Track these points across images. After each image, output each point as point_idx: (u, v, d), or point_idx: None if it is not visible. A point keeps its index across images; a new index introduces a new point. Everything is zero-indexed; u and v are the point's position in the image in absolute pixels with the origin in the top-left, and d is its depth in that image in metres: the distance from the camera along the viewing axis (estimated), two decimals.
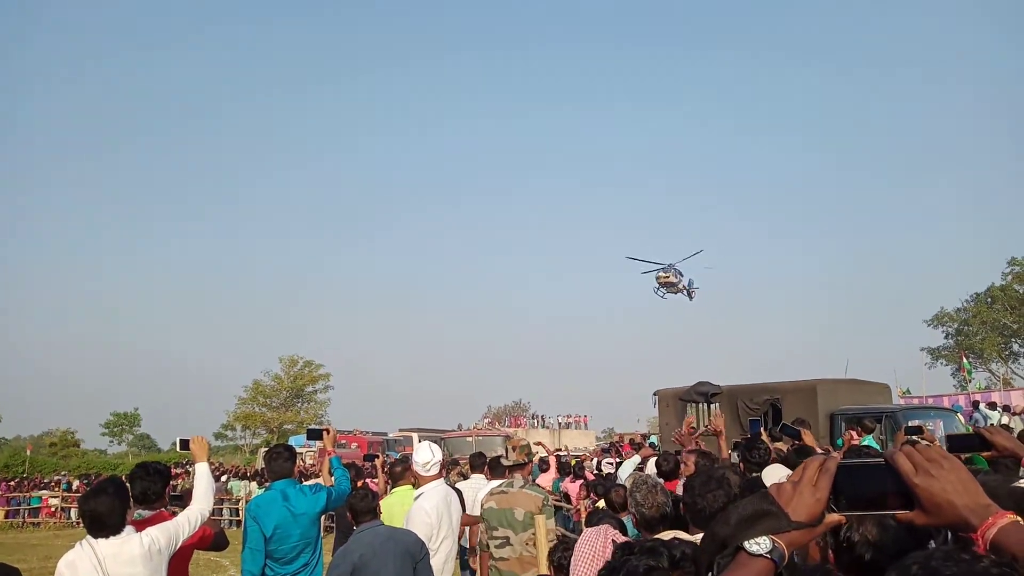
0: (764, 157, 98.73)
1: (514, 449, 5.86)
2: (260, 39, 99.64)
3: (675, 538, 1.75)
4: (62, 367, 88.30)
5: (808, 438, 6.47)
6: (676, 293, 41.98)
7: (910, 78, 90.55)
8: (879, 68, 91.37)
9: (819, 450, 6.43)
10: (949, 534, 2.58)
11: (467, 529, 7.35)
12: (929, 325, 50.25)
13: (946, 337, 50.17)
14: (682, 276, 41.32)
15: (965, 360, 37.16)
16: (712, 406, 14.37)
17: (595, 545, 3.64)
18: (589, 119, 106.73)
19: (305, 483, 5.66)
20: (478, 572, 5.79)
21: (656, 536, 3.34)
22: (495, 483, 7.21)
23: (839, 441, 9.79)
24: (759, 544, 1.21)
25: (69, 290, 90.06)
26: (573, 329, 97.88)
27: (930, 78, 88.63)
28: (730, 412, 13.58)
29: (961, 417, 14.99)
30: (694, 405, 14.85)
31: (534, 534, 5.39)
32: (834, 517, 1.24)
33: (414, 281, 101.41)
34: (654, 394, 16.33)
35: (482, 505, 5.72)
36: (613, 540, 3.55)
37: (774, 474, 3.47)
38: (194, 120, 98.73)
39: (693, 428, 7.09)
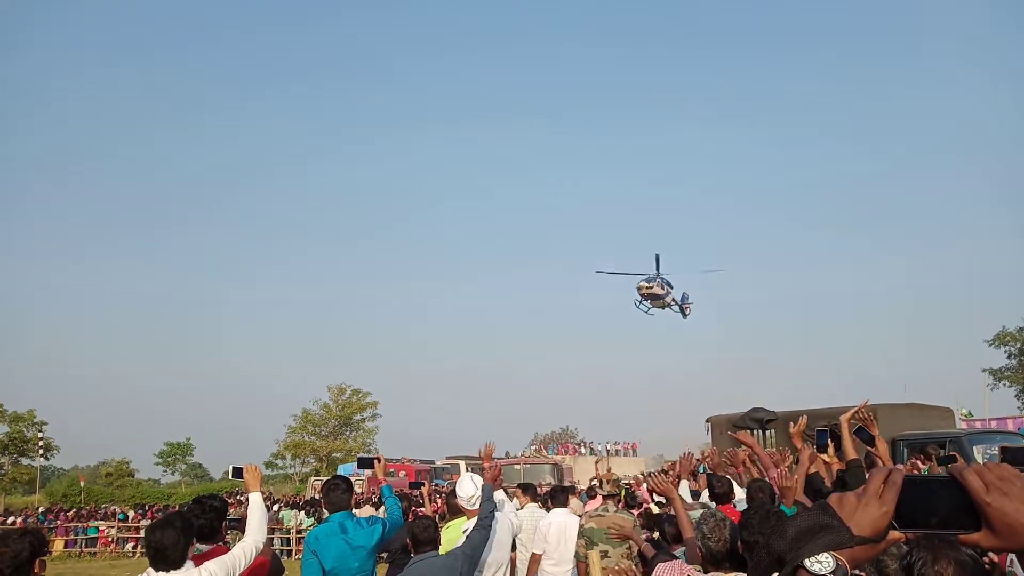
0: (810, 169, 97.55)
1: (608, 482, 7.15)
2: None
3: None
4: (116, 399, 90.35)
5: (882, 446, 5.99)
6: (663, 308, 37.63)
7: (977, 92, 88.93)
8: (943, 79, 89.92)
9: (888, 463, 6.13)
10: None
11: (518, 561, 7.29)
12: (990, 345, 48.72)
13: (1008, 357, 48.56)
14: (671, 288, 37.06)
15: None
16: (767, 432, 14.06)
17: None
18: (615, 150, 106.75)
19: (359, 514, 5.64)
20: (592, 567, 6.63)
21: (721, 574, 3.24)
22: (559, 511, 7.32)
23: None
24: (820, 563, 1.11)
25: (123, 324, 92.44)
26: (620, 355, 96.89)
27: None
28: (786, 438, 13.25)
29: None
30: (748, 432, 14.54)
31: (628, 549, 6.24)
32: (896, 534, 1.13)
33: (460, 309, 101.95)
34: (707, 420, 16.05)
35: (582, 525, 6.72)
36: (689, 575, 3.43)
37: None
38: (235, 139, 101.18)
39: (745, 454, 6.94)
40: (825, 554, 1.11)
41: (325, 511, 5.49)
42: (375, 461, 6.30)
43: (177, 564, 3.67)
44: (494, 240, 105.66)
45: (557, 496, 7.64)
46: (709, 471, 7.06)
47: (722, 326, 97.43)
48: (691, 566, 3.59)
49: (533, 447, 52.65)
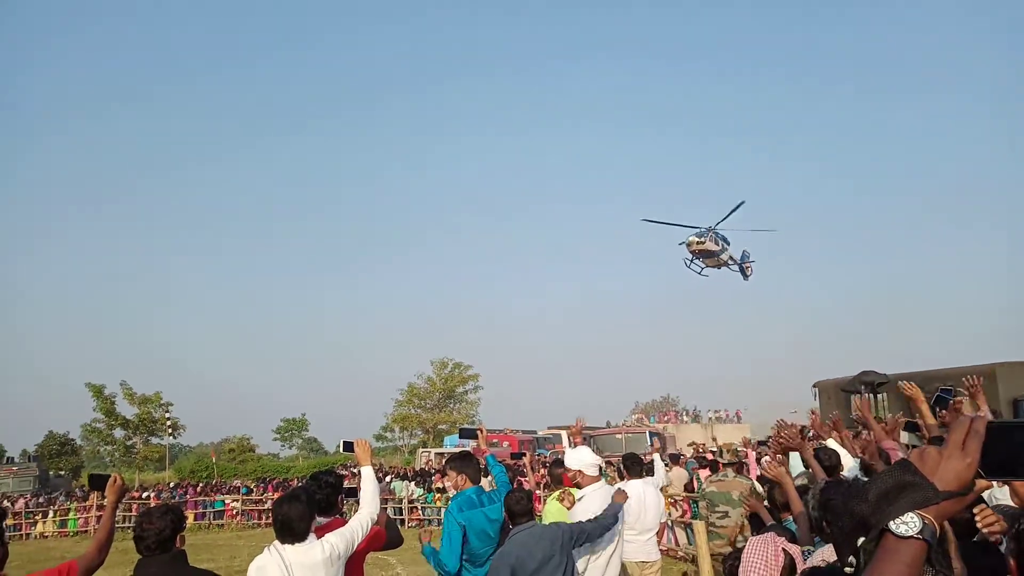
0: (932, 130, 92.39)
1: (728, 451, 7.86)
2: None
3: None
4: (236, 379, 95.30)
5: (980, 402, 5.16)
6: (719, 267, 32.17)
7: None
8: None
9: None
10: None
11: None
12: None
13: None
14: (727, 244, 31.66)
15: None
16: (879, 396, 13.57)
17: (765, 554, 3.47)
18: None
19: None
20: (698, 537, 7.67)
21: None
22: (635, 482, 6.87)
23: None
24: (907, 524, 1.07)
25: (241, 309, 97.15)
26: (722, 320, 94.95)
27: None
28: (899, 402, 12.78)
29: None
30: (858, 395, 14.08)
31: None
32: (983, 483, 1.09)
33: (560, 280, 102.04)
34: (814, 385, 15.63)
35: (704, 488, 7.67)
36: (784, 549, 3.40)
37: None
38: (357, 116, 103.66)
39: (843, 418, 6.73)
40: (910, 513, 1.08)
41: (448, 486, 5.51)
42: (477, 432, 6.42)
43: (302, 536, 3.86)
44: (592, 211, 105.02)
45: (632, 466, 7.06)
46: (813, 438, 6.86)
47: (829, 287, 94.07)
48: (782, 539, 3.53)
49: (635, 415, 52.35)
